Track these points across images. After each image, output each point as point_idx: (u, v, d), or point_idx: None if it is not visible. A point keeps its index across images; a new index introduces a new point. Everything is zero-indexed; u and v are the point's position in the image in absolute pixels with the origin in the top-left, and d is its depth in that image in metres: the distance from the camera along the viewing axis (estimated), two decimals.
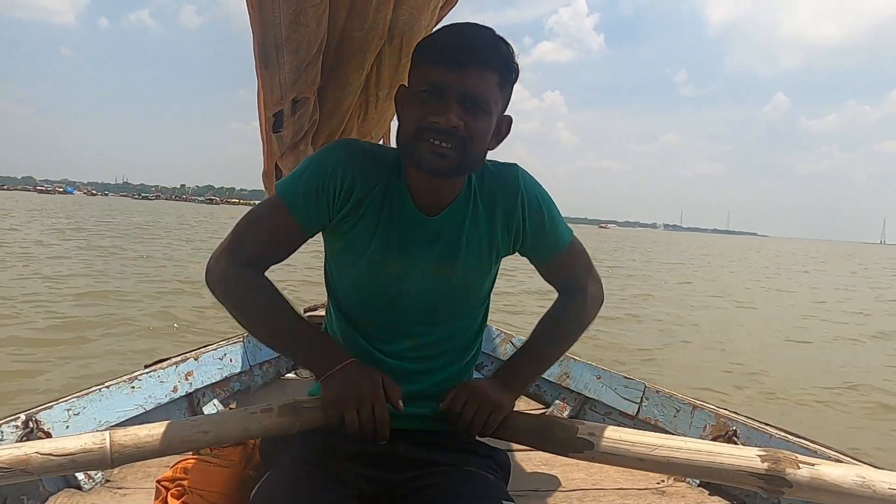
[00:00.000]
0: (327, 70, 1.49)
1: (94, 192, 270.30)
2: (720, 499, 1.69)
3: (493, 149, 1.11)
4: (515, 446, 1.49)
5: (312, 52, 1.41)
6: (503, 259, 1.22)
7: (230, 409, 2.21)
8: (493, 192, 1.15)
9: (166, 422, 1.03)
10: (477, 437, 1.17)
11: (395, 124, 1.15)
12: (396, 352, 1.16)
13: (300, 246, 1.14)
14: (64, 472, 1.00)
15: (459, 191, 1.12)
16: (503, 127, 1.11)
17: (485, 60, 1.00)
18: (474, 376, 1.29)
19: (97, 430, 1.70)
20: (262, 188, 2.06)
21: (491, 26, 1.05)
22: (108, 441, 0.98)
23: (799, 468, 0.99)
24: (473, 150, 1.02)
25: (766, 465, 1.00)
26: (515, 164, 1.19)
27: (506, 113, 1.11)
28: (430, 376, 1.18)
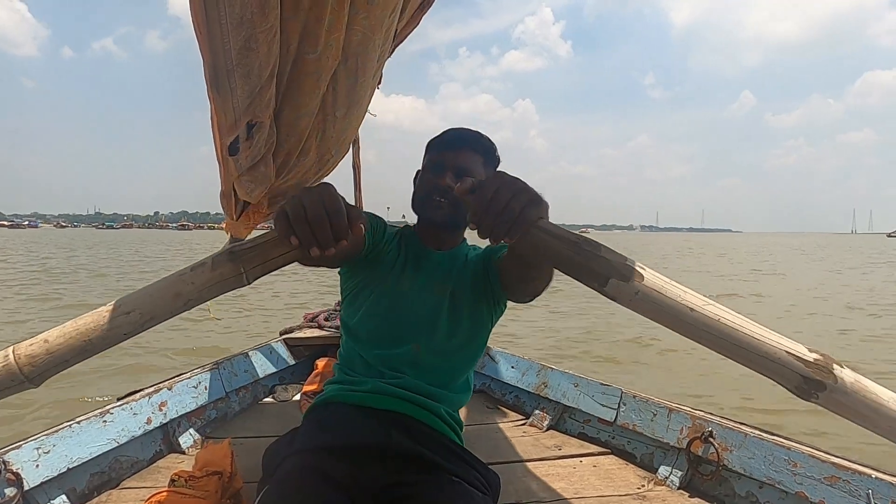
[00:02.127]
0: (282, 93, 1.49)
1: (64, 223, 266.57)
2: (700, 500, 1.70)
3: None
4: (497, 457, 1.49)
5: (265, 77, 1.40)
6: None
7: (207, 437, 2.18)
8: (475, 255, 1.55)
9: (79, 317, 0.87)
10: (473, 454, 1.34)
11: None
12: (403, 352, 1.40)
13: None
14: None
15: (454, 246, 1.54)
16: None
17: (471, 146, 1.46)
18: (468, 398, 1.52)
19: (69, 469, 1.67)
20: None
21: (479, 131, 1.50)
22: (11, 356, 0.85)
23: (844, 368, 0.87)
24: (461, 207, 1.34)
25: (814, 355, 0.86)
26: (464, 241, 1.60)
27: None
28: (432, 374, 1.40)
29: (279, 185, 1.77)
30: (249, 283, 0.90)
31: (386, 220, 1.56)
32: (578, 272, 0.86)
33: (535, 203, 0.86)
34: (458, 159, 1.42)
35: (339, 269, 1.51)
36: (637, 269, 0.85)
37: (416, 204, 1.47)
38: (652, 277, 0.85)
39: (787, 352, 0.85)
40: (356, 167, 3.16)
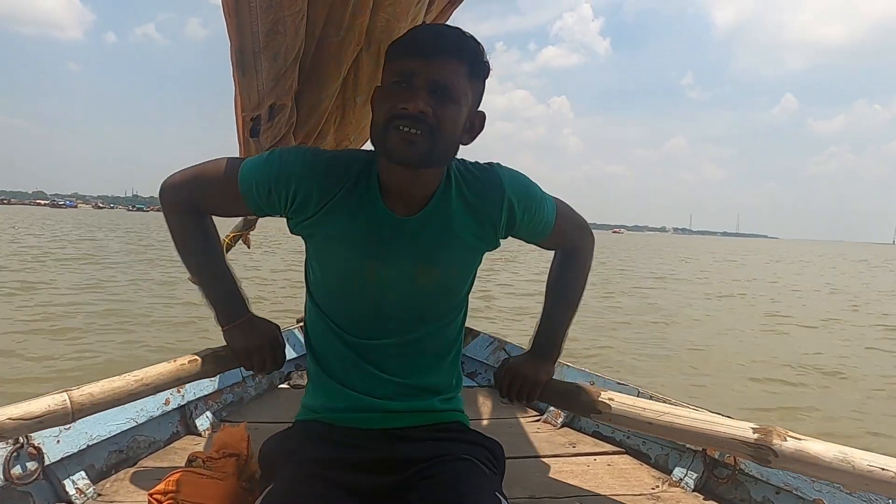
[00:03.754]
0: (304, 75, 1.50)
1: (101, 205, 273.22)
2: (715, 503, 1.69)
3: (466, 143, 1.13)
4: (512, 452, 1.52)
5: (290, 60, 1.42)
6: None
7: (223, 420, 2.20)
8: (478, 191, 1.16)
9: (115, 378, 1.20)
10: (471, 429, 1.29)
11: None
12: (380, 347, 1.19)
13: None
14: (31, 431, 1.15)
15: (435, 188, 1.13)
16: (476, 122, 1.14)
17: (452, 51, 1.04)
18: (467, 383, 1.37)
19: (88, 446, 1.70)
20: None
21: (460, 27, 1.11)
22: (68, 401, 1.13)
23: (786, 440, 1.10)
24: (442, 138, 1.03)
25: (756, 435, 1.12)
26: (495, 164, 1.22)
27: (480, 109, 1.14)
28: (417, 372, 1.22)
29: None
30: (218, 374, 1.46)
31: None
32: (576, 409, 1.40)
33: (537, 383, 1.37)
34: (435, 71, 1.02)
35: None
36: (608, 401, 1.28)
37: (376, 138, 1.06)
38: (619, 406, 1.28)
39: (731, 438, 1.15)
40: None
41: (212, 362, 1.30)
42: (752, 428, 1.15)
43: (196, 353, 1.31)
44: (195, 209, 1.22)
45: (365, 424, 1.17)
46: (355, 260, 1.13)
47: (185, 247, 1.26)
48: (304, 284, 1.30)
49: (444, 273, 1.17)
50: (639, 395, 2.05)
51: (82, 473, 1.66)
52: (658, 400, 1.99)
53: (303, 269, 1.30)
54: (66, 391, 1.15)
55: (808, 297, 14.92)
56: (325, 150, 1.19)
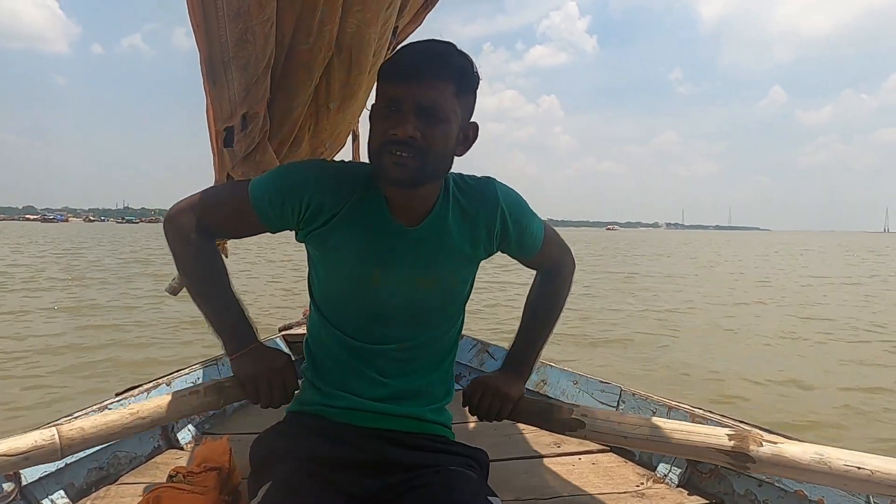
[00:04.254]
0: (276, 83, 1.50)
1: (92, 217, 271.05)
2: (699, 498, 1.69)
3: (460, 155, 1.18)
4: (497, 454, 1.54)
5: (261, 69, 1.41)
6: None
7: (205, 433, 2.17)
8: (474, 202, 1.23)
9: (108, 412, 1.14)
10: (456, 441, 1.33)
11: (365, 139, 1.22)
12: (381, 352, 1.23)
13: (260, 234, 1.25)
14: (19, 468, 1.09)
15: (434, 201, 1.19)
16: (470, 133, 1.18)
17: (437, 73, 1.07)
18: (454, 387, 1.38)
19: (66, 465, 1.67)
20: None
21: (451, 41, 1.13)
22: (56, 436, 1.06)
23: (762, 445, 1.10)
24: (432, 158, 1.08)
25: (732, 442, 1.12)
26: (491, 178, 1.28)
27: (472, 120, 1.18)
28: (413, 377, 1.26)
29: None
30: (223, 407, 1.33)
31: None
32: (546, 427, 1.33)
33: (508, 399, 1.32)
34: (422, 94, 1.06)
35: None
36: (581, 418, 1.26)
37: (371, 158, 1.11)
38: (592, 422, 1.26)
39: (708, 446, 1.14)
40: (356, 159, 3.17)
41: (215, 393, 1.21)
42: (728, 434, 1.14)
43: (197, 385, 1.24)
44: (204, 233, 1.20)
45: (357, 422, 1.21)
46: (361, 267, 1.18)
47: (194, 274, 1.24)
48: (288, 293, 1.33)
49: (443, 281, 1.23)
50: (621, 393, 2.07)
51: (61, 492, 1.63)
52: (640, 398, 2.01)
53: (299, 278, 1.35)
54: (56, 425, 1.09)
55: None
56: (333, 162, 1.25)
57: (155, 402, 1.18)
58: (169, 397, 1.18)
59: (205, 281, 1.24)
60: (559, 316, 1.44)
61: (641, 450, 1.21)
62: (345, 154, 2.35)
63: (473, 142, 1.19)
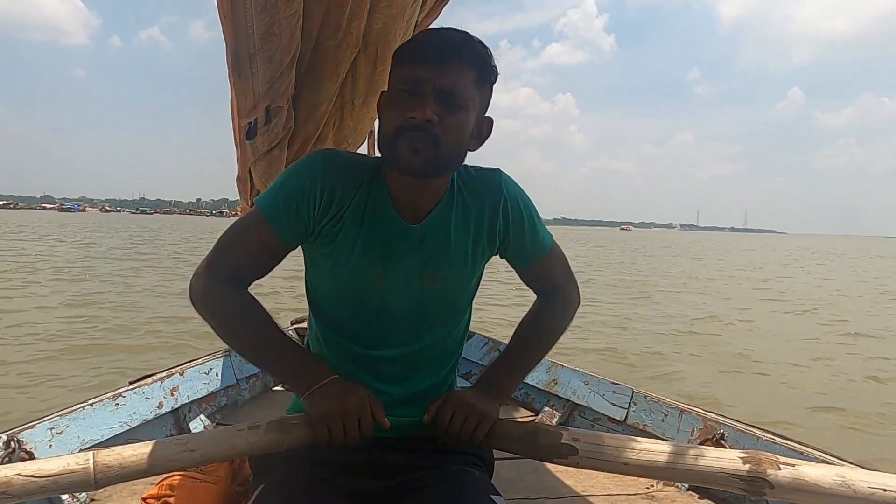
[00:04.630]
0: (301, 78, 1.49)
1: (108, 208, 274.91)
2: (710, 502, 1.69)
3: (473, 150, 1.12)
4: (504, 453, 1.49)
5: (286, 62, 1.41)
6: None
7: (217, 424, 2.19)
8: (476, 196, 1.15)
9: (151, 441, 0.99)
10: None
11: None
12: (383, 358, 1.15)
13: (282, 260, 1.13)
14: (46, 494, 0.95)
15: (442, 195, 1.12)
16: (484, 128, 1.12)
17: (460, 56, 1.01)
18: (462, 384, 1.30)
19: (80, 450, 1.69)
20: None
21: (469, 31, 1.05)
22: (91, 462, 0.94)
23: (780, 469, 1.01)
24: (448, 147, 1.01)
25: (747, 466, 1.02)
26: (498, 169, 1.20)
27: (487, 115, 1.12)
28: (417, 381, 1.18)
29: None
30: (283, 448, 1.05)
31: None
32: (530, 454, 1.12)
33: (485, 419, 1.10)
34: (443, 78, 1.00)
35: None
36: (573, 444, 1.07)
37: (385, 148, 1.04)
38: (587, 447, 1.06)
39: (720, 471, 1.03)
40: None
41: (277, 432, 1.04)
42: (742, 458, 1.04)
43: (258, 422, 1.07)
44: (231, 284, 1.09)
45: None
46: (363, 266, 1.11)
47: (240, 328, 1.10)
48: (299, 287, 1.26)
49: (446, 280, 1.15)
50: (632, 395, 2.06)
51: None
52: (652, 400, 2.00)
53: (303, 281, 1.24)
54: (93, 451, 0.97)
55: None
56: (337, 151, 1.17)
57: (208, 435, 1.10)
58: (223, 431, 1.07)
59: (254, 330, 1.10)
60: (551, 346, 1.30)
61: (644, 477, 1.08)
62: (361, 149, 2.35)
63: (487, 137, 1.14)
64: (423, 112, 0.97)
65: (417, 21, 1.85)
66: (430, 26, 2.08)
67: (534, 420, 2.31)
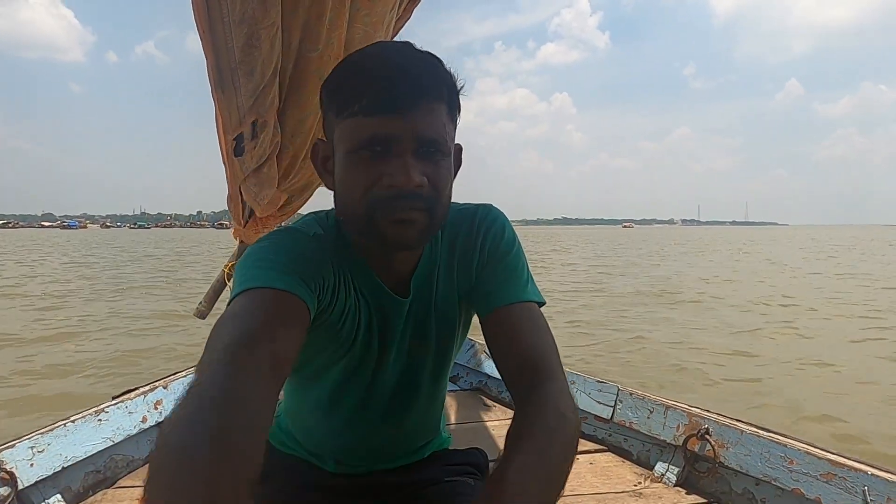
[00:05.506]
0: (286, 92, 1.50)
1: (109, 224, 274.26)
2: (697, 497, 1.72)
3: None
4: (495, 454, 1.48)
5: (268, 75, 1.41)
6: None
7: None
8: (453, 235, 0.98)
9: None
10: (450, 449, 1.17)
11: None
12: (370, 431, 1.04)
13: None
14: None
15: (417, 260, 0.96)
16: (456, 160, 0.91)
17: (431, 91, 0.80)
18: (450, 388, 1.26)
19: (63, 468, 1.67)
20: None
21: (411, 42, 0.84)
22: None
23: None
24: (441, 207, 0.83)
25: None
26: (485, 204, 1.02)
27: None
28: (407, 437, 1.10)
29: (287, 188, 1.77)
30: None
31: None
32: None
33: None
34: (421, 125, 0.78)
35: None
36: None
37: (355, 224, 0.83)
38: None
39: None
40: None
41: None
42: None
43: None
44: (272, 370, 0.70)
45: (347, 471, 1.08)
46: (362, 348, 0.95)
47: None
48: None
49: (436, 346, 1.00)
50: (618, 392, 2.09)
51: (58, 496, 1.63)
52: (637, 397, 2.02)
53: None
54: None
55: None
56: (300, 230, 0.91)
57: None
58: None
59: None
60: (565, 474, 0.72)
61: None
62: None
63: (459, 167, 0.92)
64: (408, 178, 0.77)
65: (393, 24, 1.87)
66: (402, 30, 2.09)
67: None
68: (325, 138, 0.88)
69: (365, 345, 0.94)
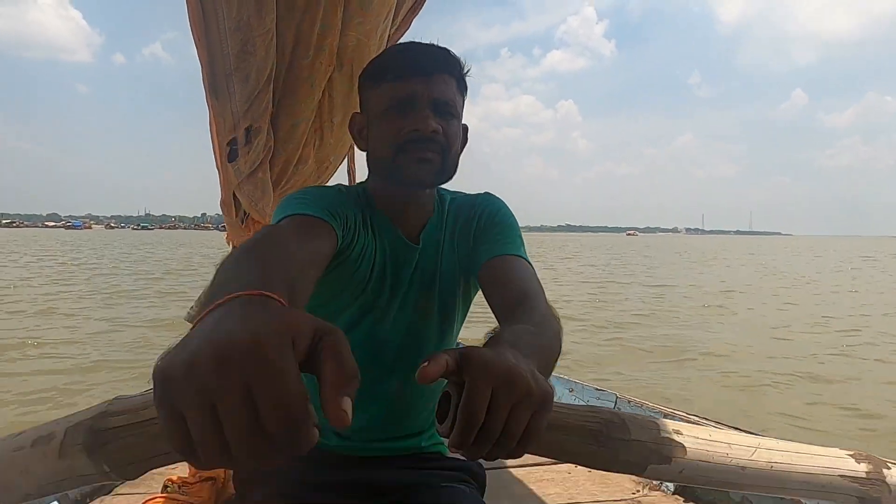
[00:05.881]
0: (278, 98, 1.51)
1: (113, 224, 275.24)
2: None
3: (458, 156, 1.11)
4: (492, 462, 1.45)
5: (262, 81, 1.42)
6: None
7: None
8: (458, 209, 1.15)
9: None
10: (448, 455, 1.17)
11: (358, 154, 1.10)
12: (374, 394, 1.09)
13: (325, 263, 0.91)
14: None
15: (430, 213, 1.11)
16: (463, 136, 1.11)
17: (444, 67, 1.02)
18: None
19: None
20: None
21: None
22: None
23: (891, 467, 0.82)
24: (452, 155, 1.02)
25: (863, 466, 0.79)
26: (487, 193, 1.19)
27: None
28: (409, 412, 1.15)
29: (280, 193, 1.77)
30: (127, 480, 0.65)
31: None
32: (607, 467, 0.69)
33: (545, 407, 0.58)
34: (435, 89, 0.99)
35: None
36: (676, 440, 0.71)
37: (383, 168, 1.02)
38: (694, 444, 0.72)
39: (840, 476, 0.78)
40: (351, 173, 3.18)
41: (81, 453, 0.54)
42: (855, 457, 0.80)
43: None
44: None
45: (346, 451, 1.12)
46: (376, 288, 1.05)
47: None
48: None
49: (440, 303, 1.10)
50: (616, 400, 2.08)
51: (55, 503, 1.63)
52: (636, 405, 2.02)
53: None
54: None
55: None
56: (313, 187, 1.12)
57: None
58: None
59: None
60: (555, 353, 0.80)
61: (756, 491, 0.79)
62: (341, 168, 2.33)
63: (465, 144, 1.13)
64: (427, 124, 0.96)
65: (389, 35, 1.87)
66: (399, 40, 2.10)
67: None
68: (360, 111, 1.08)
69: (376, 289, 1.06)
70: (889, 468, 0.81)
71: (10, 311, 9.89)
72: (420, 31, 1.99)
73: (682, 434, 0.72)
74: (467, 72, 1.07)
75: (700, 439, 0.72)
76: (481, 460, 1.07)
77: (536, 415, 0.57)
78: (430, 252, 1.10)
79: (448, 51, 1.04)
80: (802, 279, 19.82)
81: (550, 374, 0.73)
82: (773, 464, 0.76)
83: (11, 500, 0.56)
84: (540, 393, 0.57)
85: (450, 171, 1.03)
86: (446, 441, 0.57)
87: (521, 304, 0.90)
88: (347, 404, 0.43)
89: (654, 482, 1.82)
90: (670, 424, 0.73)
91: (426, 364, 0.55)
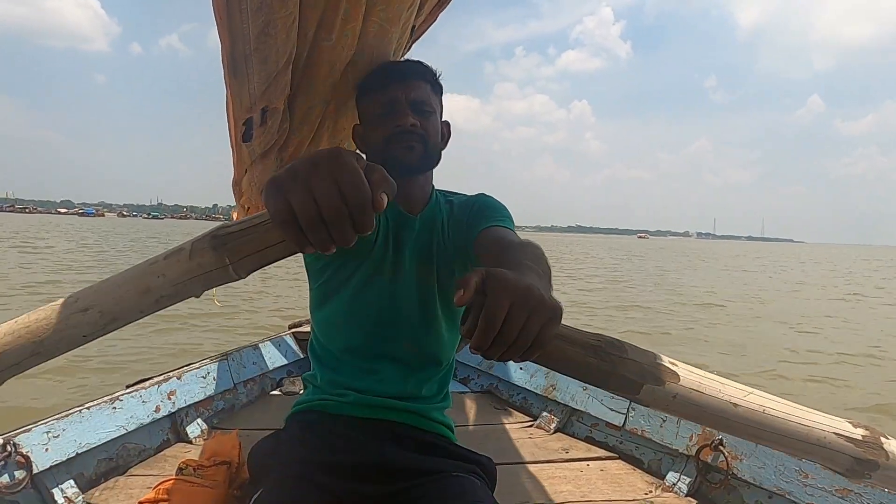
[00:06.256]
0: (297, 79, 1.50)
1: (125, 213, 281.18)
2: None
3: (443, 149, 1.36)
4: (502, 459, 1.45)
5: (282, 63, 1.41)
6: None
7: (214, 428, 2.18)
8: (457, 205, 1.37)
9: (31, 311, 0.75)
10: (460, 446, 1.27)
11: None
12: (384, 354, 1.28)
13: None
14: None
15: (428, 197, 1.36)
16: (445, 131, 1.39)
17: (419, 74, 1.34)
18: (459, 388, 1.38)
19: (77, 454, 1.69)
20: None
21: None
22: None
23: (890, 439, 0.83)
24: (431, 144, 1.29)
25: (860, 431, 0.80)
26: (482, 194, 1.40)
27: (446, 119, 1.40)
28: (416, 376, 1.29)
29: None
30: (241, 278, 0.75)
31: None
32: (604, 381, 0.76)
33: (554, 318, 0.67)
34: (412, 92, 1.29)
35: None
36: (670, 368, 0.76)
37: (378, 150, 1.28)
38: (688, 374, 0.77)
39: (835, 434, 0.79)
40: None
41: (208, 250, 0.73)
42: (853, 423, 0.82)
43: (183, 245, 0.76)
44: None
45: (359, 413, 1.23)
46: (380, 253, 1.27)
47: None
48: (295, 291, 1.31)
49: (440, 273, 1.29)
50: (630, 401, 2.05)
51: (71, 482, 1.64)
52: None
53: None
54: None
55: None
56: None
57: (104, 285, 0.75)
58: (128, 273, 0.74)
59: None
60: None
61: (739, 435, 0.82)
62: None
63: (449, 138, 1.39)
64: (406, 120, 1.25)
65: (414, 26, 1.85)
66: (426, 32, 2.08)
67: (531, 426, 2.30)
68: (360, 123, 1.41)
69: (380, 255, 1.26)
70: (887, 438, 0.83)
71: None
72: (436, 28, 2.00)
73: (677, 366, 0.79)
74: (439, 76, 1.36)
75: (695, 373, 0.80)
76: (492, 457, 1.16)
77: (547, 324, 0.67)
78: (428, 227, 1.32)
79: (421, 62, 1.37)
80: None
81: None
82: (767, 409, 0.79)
83: (148, 301, 0.72)
84: (551, 306, 0.68)
85: (432, 157, 1.31)
86: (468, 343, 0.68)
87: (517, 247, 1.03)
88: (384, 197, 0.61)
89: (668, 484, 1.80)
90: (667, 358, 0.79)
91: (460, 291, 0.66)
